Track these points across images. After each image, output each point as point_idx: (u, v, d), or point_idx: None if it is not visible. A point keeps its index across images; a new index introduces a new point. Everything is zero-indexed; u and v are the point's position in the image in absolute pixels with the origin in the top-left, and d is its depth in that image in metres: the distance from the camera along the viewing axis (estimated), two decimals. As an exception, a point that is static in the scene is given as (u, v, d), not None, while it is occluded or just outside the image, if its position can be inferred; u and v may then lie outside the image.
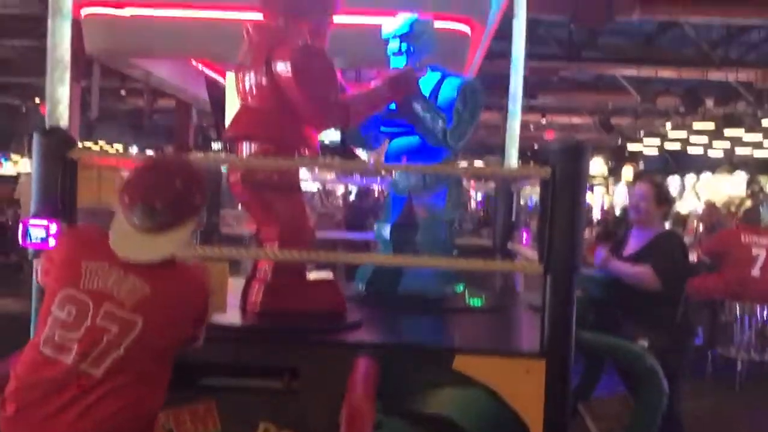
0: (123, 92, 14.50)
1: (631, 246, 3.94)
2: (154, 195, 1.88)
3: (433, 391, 2.31)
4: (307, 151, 2.83)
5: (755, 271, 6.35)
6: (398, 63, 3.28)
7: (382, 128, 3.41)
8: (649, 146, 17.46)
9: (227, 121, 2.99)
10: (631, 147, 18.43)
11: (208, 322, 2.07)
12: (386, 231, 3.35)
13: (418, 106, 3.14)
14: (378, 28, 3.33)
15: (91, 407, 1.78)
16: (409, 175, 3.33)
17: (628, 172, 18.96)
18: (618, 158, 19.71)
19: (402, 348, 2.50)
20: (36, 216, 2.31)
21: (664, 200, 4.01)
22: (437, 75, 3.34)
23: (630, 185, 16.37)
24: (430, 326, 3.05)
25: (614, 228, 8.65)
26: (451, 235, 3.42)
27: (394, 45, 3.27)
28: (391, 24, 3.28)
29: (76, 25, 3.71)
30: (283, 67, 2.62)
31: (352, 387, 2.18)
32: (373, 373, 2.23)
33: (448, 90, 3.28)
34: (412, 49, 3.24)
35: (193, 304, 1.97)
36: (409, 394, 2.31)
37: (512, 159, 4.43)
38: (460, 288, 3.85)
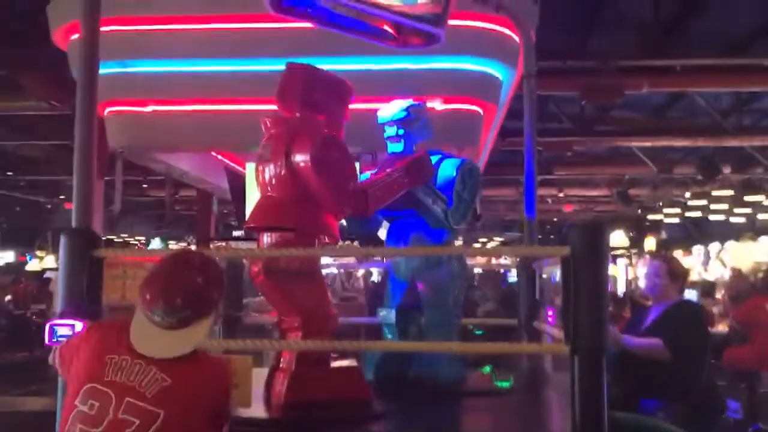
0: (145, 185, 14.82)
1: (648, 321, 3.91)
2: (175, 293, 1.91)
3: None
4: (327, 239, 2.85)
5: (786, 340, 6.19)
6: (395, 148, 3.33)
7: (381, 212, 3.40)
8: (669, 215, 17.39)
9: (248, 209, 3.04)
10: (652, 217, 18.36)
11: (230, 423, 2.03)
12: (391, 316, 3.31)
13: (418, 190, 3.17)
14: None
15: None
16: (410, 256, 3.32)
17: (650, 243, 18.80)
18: (639, 229, 19.60)
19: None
20: (62, 315, 2.33)
21: (678, 274, 3.99)
22: (435, 158, 3.38)
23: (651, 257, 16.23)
24: (456, 412, 2.98)
25: (621, 306, 8.51)
26: (458, 314, 3.37)
27: (390, 130, 3.32)
28: (387, 110, 3.34)
29: (100, 123, 3.85)
30: (301, 158, 2.68)
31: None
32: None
33: (447, 171, 3.32)
34: (408, 133, 3.29)
35: (214, 396, 1.96)
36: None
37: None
38: (486, 369, 3.78)
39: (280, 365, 2.78)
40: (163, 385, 1.85)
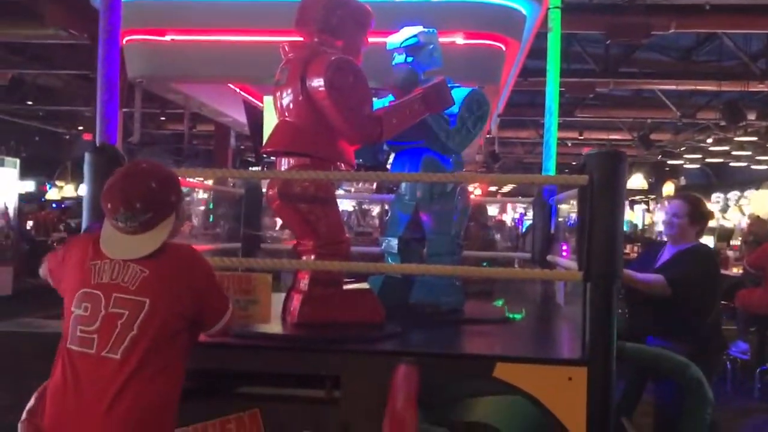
0: (163, 118, 14.83)
1: (661, 261, 3.84)
2: (133, 198, 2.02)
3: (474, 399, 2.30)
4: (342, 166, 2.86)
5: (798, 285, 6.20)
6: None
7: (387, 142, 3.36)
8: (690, 161, 17.20)
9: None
10: (672, 162, 18.17)
11: (223, 311, 2.15)
12: (393, 244, 3.33)
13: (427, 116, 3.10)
14: None
15: (118, 395, 1.90)
16: (415, 187, 3.31)
17: (669, 188, 18.65)
18: (658, 174, 19.42)
19: (443, 356, 2.50)
20: (88, 230, 2.38)
21: (699, 217, 3.84)
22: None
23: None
24: (468, 336, 3.04)
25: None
26: (459, 247, 3.37)
27: (399, 57, 3.28)
28: (396, 37, 3.28)
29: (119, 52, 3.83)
30: (316, 82, 2.67)
31: (393, 395, 2.19)
32: (415, 380, 2.24)
33: (456, 98, 3.24)
34: (417, 61, 3.24)
35: (190, 277, 2.08)
36: (450, 403, 2.30)
37: (549, 172, 4.41)
38: (499, 303, 3.84)
39: (295, 286, 2.84)
40: (143, 276, 2.00)
